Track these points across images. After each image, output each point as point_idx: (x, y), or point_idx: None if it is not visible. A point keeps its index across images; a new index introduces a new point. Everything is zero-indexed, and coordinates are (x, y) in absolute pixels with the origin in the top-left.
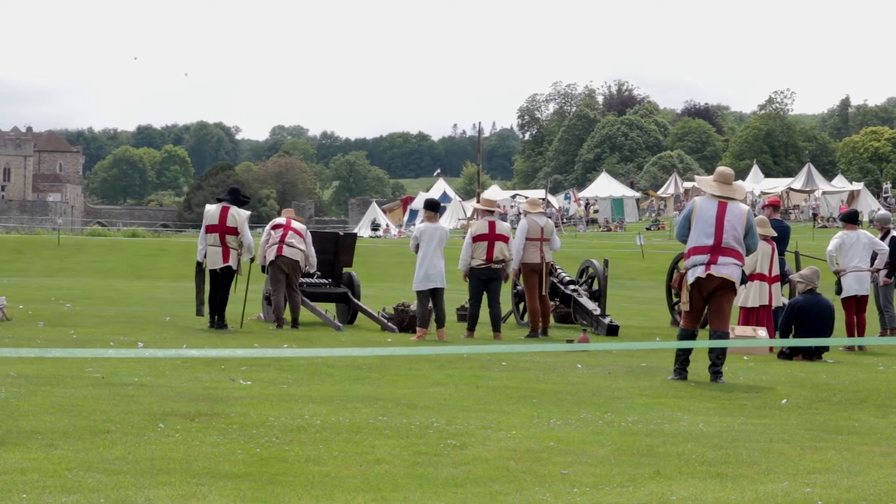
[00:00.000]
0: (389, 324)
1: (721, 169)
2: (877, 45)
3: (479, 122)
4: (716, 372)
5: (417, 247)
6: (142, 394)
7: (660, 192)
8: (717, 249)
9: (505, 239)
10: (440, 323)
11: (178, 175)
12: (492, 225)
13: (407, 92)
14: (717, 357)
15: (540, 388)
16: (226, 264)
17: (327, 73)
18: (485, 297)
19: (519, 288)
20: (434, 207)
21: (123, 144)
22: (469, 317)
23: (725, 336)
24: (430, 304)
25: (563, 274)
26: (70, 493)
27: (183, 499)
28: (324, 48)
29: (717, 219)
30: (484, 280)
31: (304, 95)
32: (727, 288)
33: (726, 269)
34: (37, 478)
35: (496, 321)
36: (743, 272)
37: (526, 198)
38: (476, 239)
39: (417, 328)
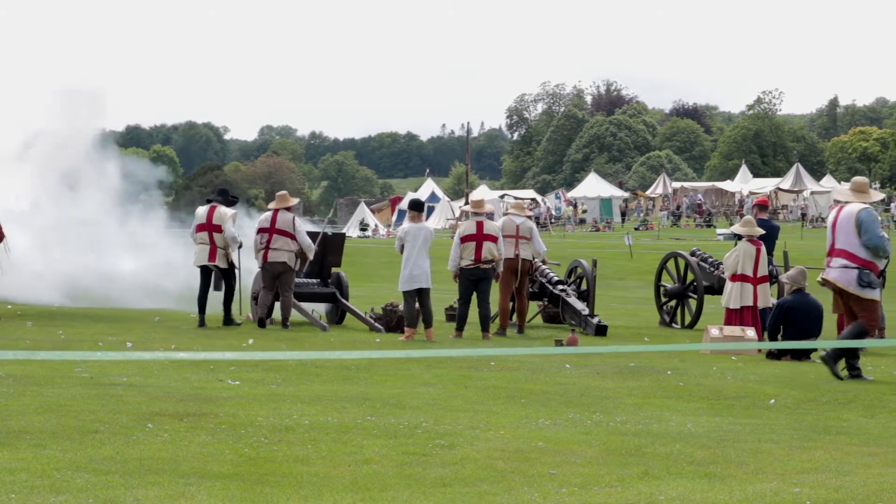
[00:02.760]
0: (376, 324)
1: (854, 178)
2: (865, 45)
3: (468, 122)
4: (853, 367)
5: (402, 247)
6: (130, 394)
7: (648, 192)
8: (831, 252)
9: (493, 239)
10: (427, 323)
11: (167, 175)
12: (479, 225)
13: (395, 92)
14: (852, 356)
15: (528, 388)
16: (212, 262)
17: (316, 74)
18: (474, 297)
19: None
20: (419, 207)
21: (111, 144)
22: (458, 317)
23: (862, 332)
24: (417, 305)
25: (552, 274)
26: (58, 494)
27: (171, 499)
28: (312, 48)
29: (832, 223)
30: (473, 280)
31: (293, 95)
32: (845, 293)
33: (834, 272)
34: (25, 478)
35: (485, 321)
36: (860, 271)
37: (515, 198)
38: (464, 239)
39: (405, 328)
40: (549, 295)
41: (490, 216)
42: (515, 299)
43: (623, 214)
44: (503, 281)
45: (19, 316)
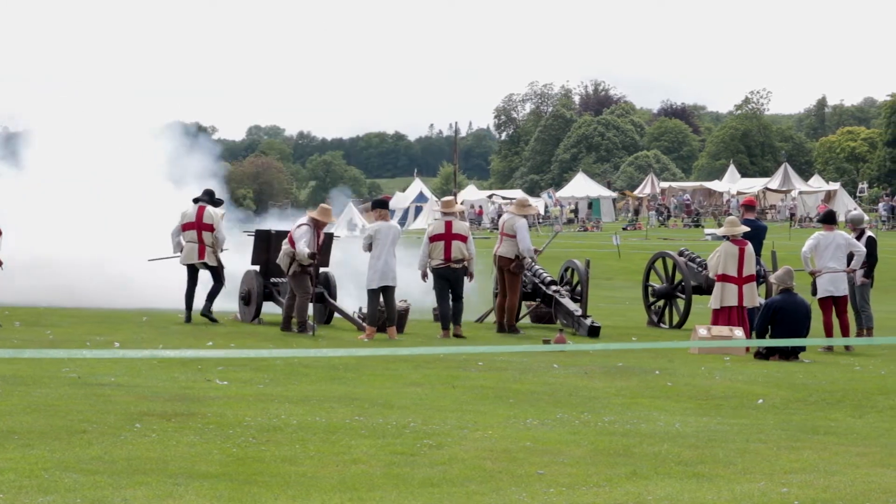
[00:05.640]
0: (364, 324)
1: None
2: (853, 45)
3: (456, 122)
4: None
5: (370, 246)
6: (118, 394)
7: (636, 192)
8: None
9: (463, 238)
10: (391, 321)
11: None
12: (448, 225)
13: (383, 92)
14: None
15: (516, 388)
16: (201, 260)
17: (304, 73)
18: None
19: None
20: (384, 206)
21: None
22: (440, 317)
23: None
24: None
25: (545, 274)
26: (47, 493)
27: (159, 499)
28: (301, 48)
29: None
30: (446, 279)
31: (281, 95)
32: None
33: None
34: (13, 478)
35: (456, 315)
36: None
37: (506, 198)
38: (433, 239)
39: (367, 327)
40: (542, 295)
41: (461, 216)
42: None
43: (636, 213)
44: (499, 280)
45: (7, 316)
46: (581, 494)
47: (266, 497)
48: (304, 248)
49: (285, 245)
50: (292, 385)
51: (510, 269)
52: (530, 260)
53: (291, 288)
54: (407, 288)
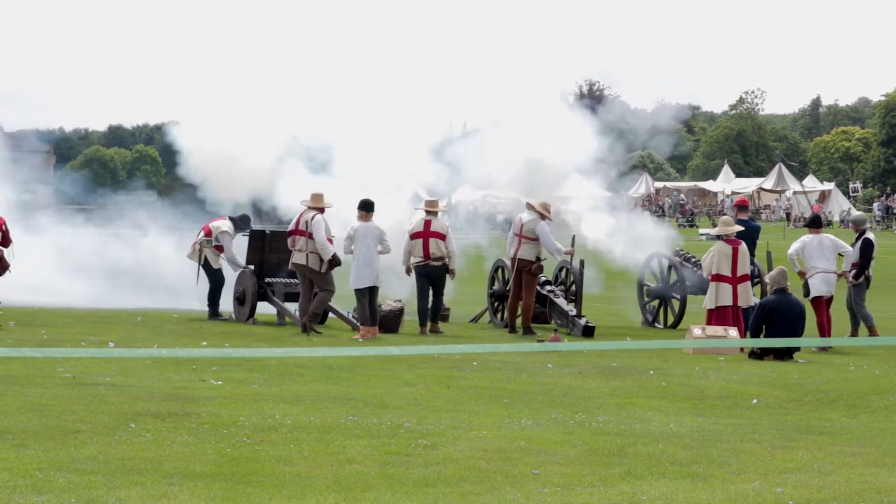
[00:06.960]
0: (359, 324)
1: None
2: (848, 44)
3: (451, 122)
4: None
5: (352, 246)
6: (112, 394)
7: (630, 192)
8: None
9: (441, 236)
10: (374, 321)
11: (150, 175)
12: (427, 223)
13: (378, 92)
14: None
15: (511, 388)
16: (188, 254)
17: (298, 73)
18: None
19: (495, 288)
20: (368, 207)
21: (94, 144)
22: (418, 313)
23: None
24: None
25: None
26: (41, 493)
27: (154, 499)
28: (296, 48)
29: None
30: (426, 276)
31: (276, 95)
32: None
33: None
34: (8, 478)
35: (434, 312)
36: None
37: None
38: (413, 236)
39: (361, 327)
40: (536, 296)
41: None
42: (523, 297)
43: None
44: (513, 281)
45: (2, 316)
46: (576, 494)
47: (261, 497)
48: (330, 246)
49: (305, 241)
50: (287, 385)
51: (530, 271)
52: (565, 258)
53: (306, 285)
54: (404, 288)
